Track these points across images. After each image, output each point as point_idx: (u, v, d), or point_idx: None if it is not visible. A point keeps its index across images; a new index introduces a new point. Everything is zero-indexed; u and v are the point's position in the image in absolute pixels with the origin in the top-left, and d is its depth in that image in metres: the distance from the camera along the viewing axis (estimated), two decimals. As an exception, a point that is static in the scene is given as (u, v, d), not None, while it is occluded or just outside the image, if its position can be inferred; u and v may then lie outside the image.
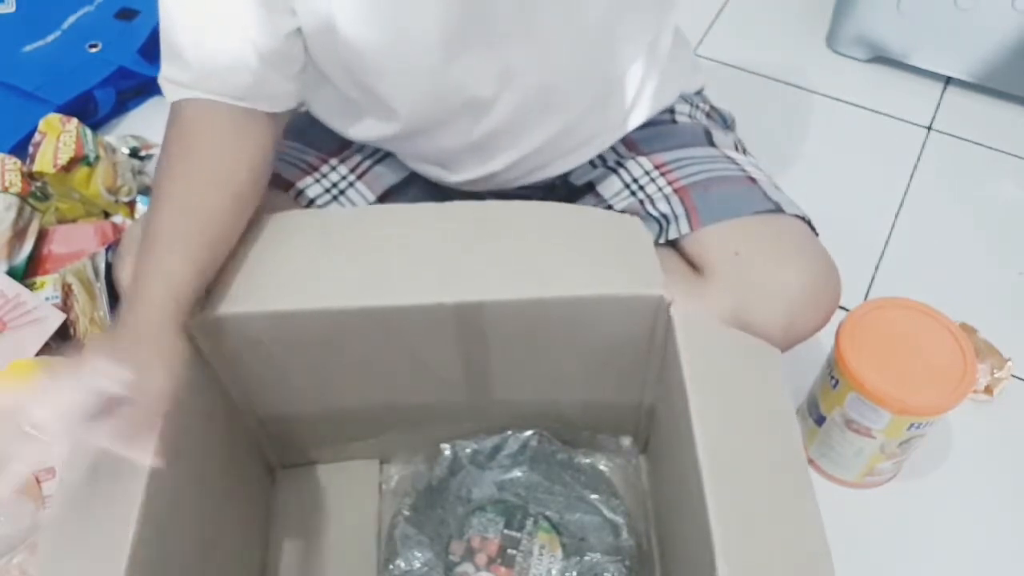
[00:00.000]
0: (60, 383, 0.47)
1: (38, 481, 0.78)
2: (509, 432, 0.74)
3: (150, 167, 1.14)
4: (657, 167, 0.76)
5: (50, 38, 1.25)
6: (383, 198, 0.77)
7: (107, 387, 0.47)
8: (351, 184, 0.76)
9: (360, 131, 0.75)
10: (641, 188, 0.76)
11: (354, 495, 0.77)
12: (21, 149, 1.05)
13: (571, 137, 0.72)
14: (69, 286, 0.86)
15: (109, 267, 0.84)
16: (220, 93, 0.61)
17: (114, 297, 0.81)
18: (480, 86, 0.64)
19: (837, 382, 0.80)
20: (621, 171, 0.78)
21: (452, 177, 0.76)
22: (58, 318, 0.83)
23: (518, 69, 0.63)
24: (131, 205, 1.05)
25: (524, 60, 0.62)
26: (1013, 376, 0.98)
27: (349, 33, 0.60)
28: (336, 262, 0.61)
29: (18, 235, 0.91)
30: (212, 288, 0.59)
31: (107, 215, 1.03)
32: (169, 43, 0.61)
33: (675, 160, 0.76)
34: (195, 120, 0.61)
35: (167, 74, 0.62)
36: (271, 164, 0.66)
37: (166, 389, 0.51)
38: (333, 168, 0.76)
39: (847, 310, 0.82)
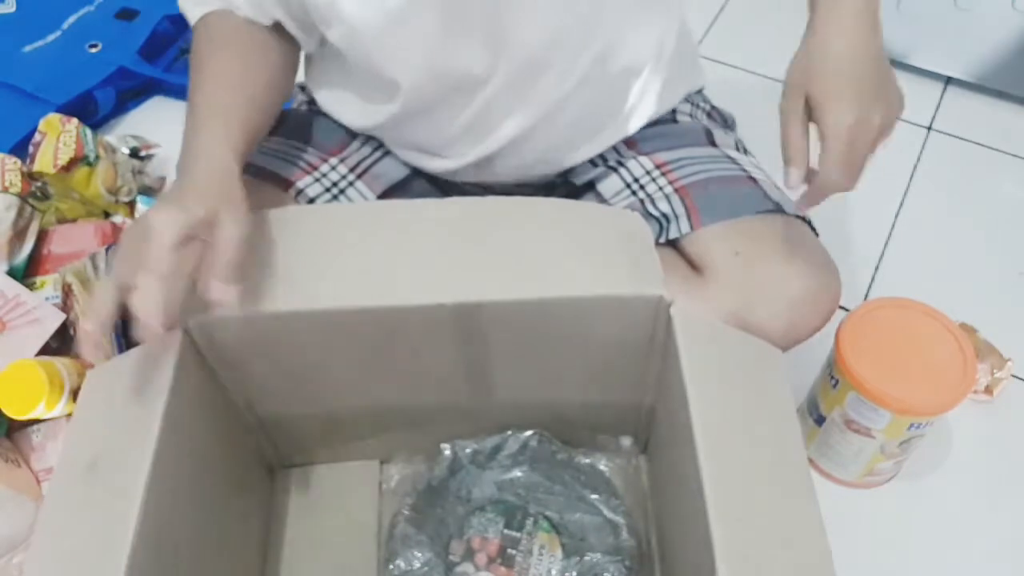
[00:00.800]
0: (140, 237, 0.50)
1: (38, 481, 0.78)
2: (509, 432, 0.74)
3: (150, 167, 1.14)
4: (658, 166, 0.76)
5: (50, 38, 1.25)
6: (383, 197, 0.77)
7: (186, 229, 0.51)
8: (351, 183, 0.76)
9: (361, 115, 0.74)
10: (642, 187, 0.76)
11: (354, 495, 0.77)
12: (21, 149, 1.05)
13: (566, 124, 0.72)
14: (69, 286, 0.86)
15: (109, 267, 0.84)
16: (240, 7, 0.65)
17: (114, 297, 0.81)
18: (474, 62, 0.64)
19: (837, 382, 0.80)
20: (622, 170, 0.78)
21: (446, 164, 0.75)
22: (58, 318, 0.83)
23: (510, 42, 0.63)
24: (131, 205, 1.05)
25: (515, 34, 0.62)
26: (1013, 376, 0.98)
27: (348, 8, 0.61)
28: (336, 261, 0.61)
29: (18, 235, 0.91)
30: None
31: (107, 215, 1.03)
32: None
33: (676, 160, 0.76)
34: (220, 23, 0.65)
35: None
36: (293, 71, 0.70)
37: (237, 235, 0.53)
38: (333, 167, 0.76)
39: (847, 310, 0.82)
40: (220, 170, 0.56)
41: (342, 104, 0.76)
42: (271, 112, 0.66)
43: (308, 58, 0.78)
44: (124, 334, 0.84)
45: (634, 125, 0.76)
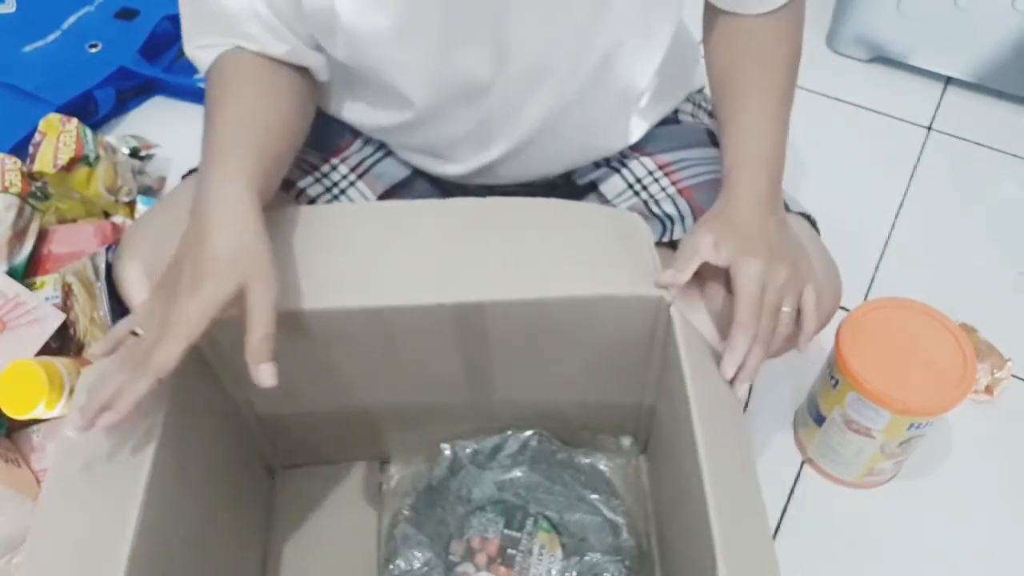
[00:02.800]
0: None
1: (38, 481, 0.78)
2: (509, 432, 0.73)
3: (150, 167, 1.14)
4: (660, 167, 0.76)
5: (50, 38, 1.25)
6: (384, 197, 0.77)
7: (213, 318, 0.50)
8: (352, 184, 0.76)
9: (369, 119, 0.75)
10: (644, 188, 0.76)
11: (354, 495, 0.77)
12: (21, 149, 1.05)
13: (569, 130, 0.72)
14: (69, 286, 0.86)
15: (109, 267, 0.84)
16: (254, 49, 0.63)
17: (114, 297, 0.81)
18: (477, 68, 0.64)
19: (837, 382, 0.80)
20: (624, 171, 0.78)
21: (450, 168, 0.76)
22: (58, 318, 0.83)
23: (512, 49, 0.63)
24: (131, 205, 1.05)
25: (517, 41, 0.62)
26: (1013, 376, 0.98)
27: (349, 19, 0.60)
28: (336, 261, 0.61)
29: (18, 235, 0.91)
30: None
31: (107, 215, 1.03)
32: (198, 12, 0.63)
33: (678, 160, 0.76)
34: (236, 63, 0.63)
35: (197, 43, 0.64)
36: (310, 102, 0.68)
37: (268, 307, 0.52)
38: (334, 167, 0.76)
39: (847, 310, 0.82)
40: (243, 233, 0.53)
41: (350, 111, 0.76)
42: (290, 140, 0.64)
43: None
44: (108, 277, 0.84)
45: (637, 129, 0.76)
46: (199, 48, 0.64)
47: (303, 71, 0.66)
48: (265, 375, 0.51)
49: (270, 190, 0.60)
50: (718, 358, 0.60)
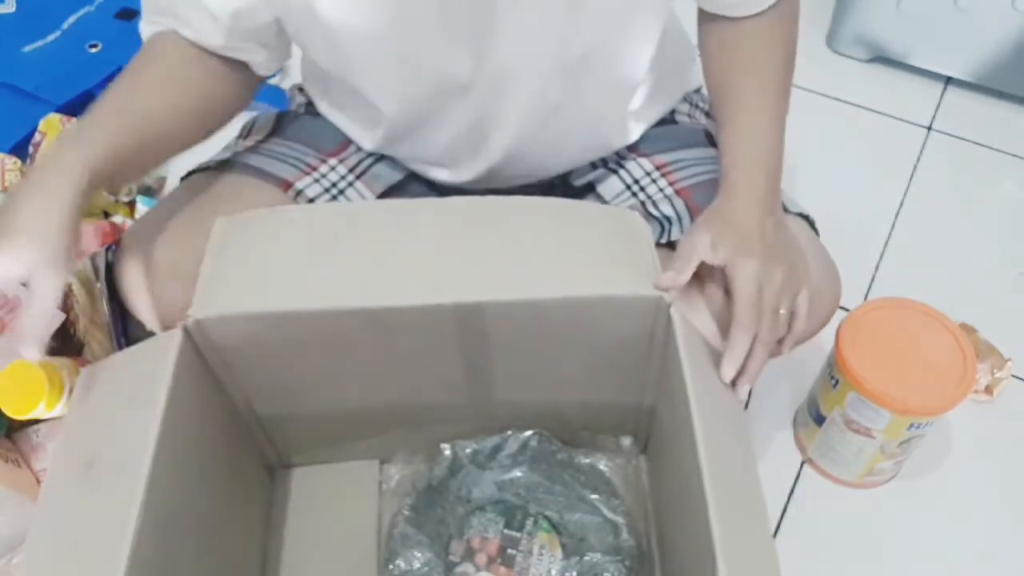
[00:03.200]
0: None
1: (38, 481, 0.78)
2: (509, 432, 0.73)
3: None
4: (658, 168, 0.76)
5: (50, 38, 1.25)
6: (382, 198, 0.77)
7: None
8: (350, 184, 0.76)
9: (368, 134, 0.75)
10: (642, 189, 0.76)
11: (354, 495, 0.77)
12: (21, 149, 1.05)
13: (563, 132, 0.72)
14: (69, 286, 0.86)
15: (109, 267, 0.84)
16: (188, 36, 0.63)
17: (114, 297, 0.81)
18: (454, 67, 0.64)
19: (837, 382, 0.80)
20: (621, 172, 0.78)
21: (458, 177, 0.76)
22: (58, 318, 0.83)
23: (490, 47, 0.62)
24: (131, 205, 1.05)
25: (494, 38, 0.62)
26: (1013, 376, 0.98)
27: (327, 15, 0.60)
28: (336, 261, 0.61)
29: (18, 235, 0.91)
30: (212, 288, 0.59)
31: (107, 215, 1.03)
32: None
33: (676, 161, 0.76)
34: (162, 44, 0.64)
35: (146, 17, 0.65)
36: (230, 104, 0.68)
37: (50, 297, 0.53)
38: (332, 168, 0.76)
39: (847, 310, 0.82)
40: (52, 206, 0.53)
41: (348, 127, 0.77)
42: (177, 133, 0.63)
43: (309, 80, 0.78)
44: (124, 333, 0.84)
45: (634, 129, 0.76)
46: (145, 23, 0.65)
47: (239, 65, 0.67)
48: (29, 354, 0.54)
49: (121, 176, 0.59)
50: (718, 358, 0.60)
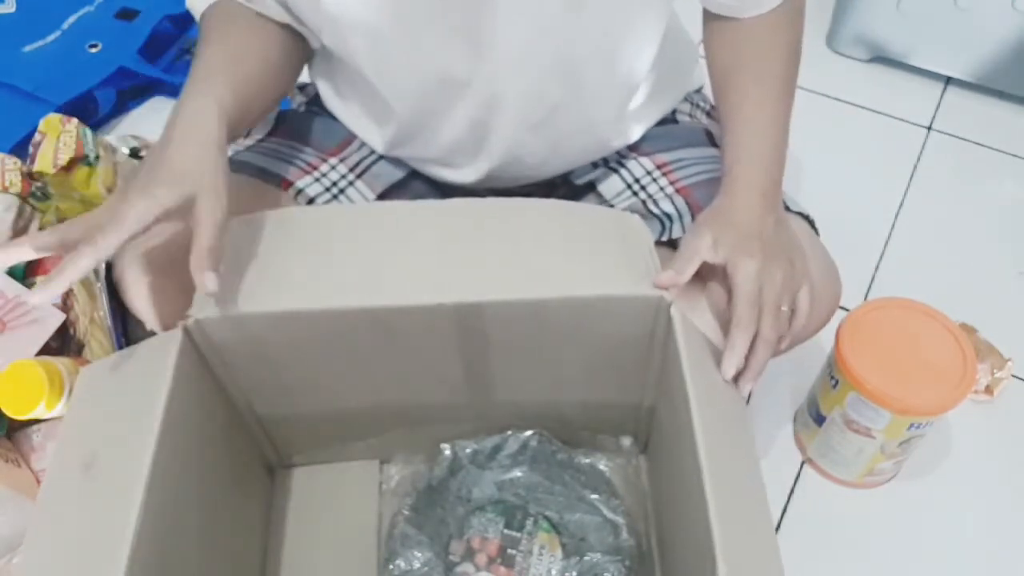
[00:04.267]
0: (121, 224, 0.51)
1: (38, 481, 0.78)
2: (509, 432, 0.73)
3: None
4: (658, 167, 0.76)
5: (50, 38, 1.25)
6: (383, 197, 0.77)
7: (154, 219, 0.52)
8: (351, 183, 0.76)
9: (377, 134, 0.75)
10: (643, 188, 0.76)
11: (354, 495, 0.77)
12: (21, 149, 1.05)
13: (566, 131, 0.72)
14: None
15: (109, 267, 0.84)
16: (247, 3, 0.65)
17: (114, 297, 0.81)
18: (452, 63, 0.64)
19: (837, 382, 0.80)
20: (622, 171, 0.78)
21: (460, 177, 0.76)
22: (58, 318, 0.83)
23: (488, 44, 0.62)
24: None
25: (493, 35, 0.62)
26: (1013, 376, 0.98)
27: (328, 7, 0.61)
28: (336, 261, 0.61)
29: (18, 235, 0.91)
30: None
31: (107, 215, 1.03)
32: None
33: (676, 160, 0.76)
34: (228, 9, 0.65)
35: None
36: (297, 62, 0.70)
37: (213, 222, 0.54)
38: (333, 167, 0.76)
39: (847, 310, 0.82)
40: (202, 145, 0.56)
41: (359, 127, 0.77)
42: (270, 84, 0.66)
43: (320, 73, 0.79)
44: (124, 333, 0.84)
45: (635, 129, 0.76)
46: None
47: (294, 33, 0.68)
48: (208, 281, 0.53)
49: (242, 121, 0.62)
50: (719, 357, 0.60)
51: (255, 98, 0.63)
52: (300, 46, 0.69)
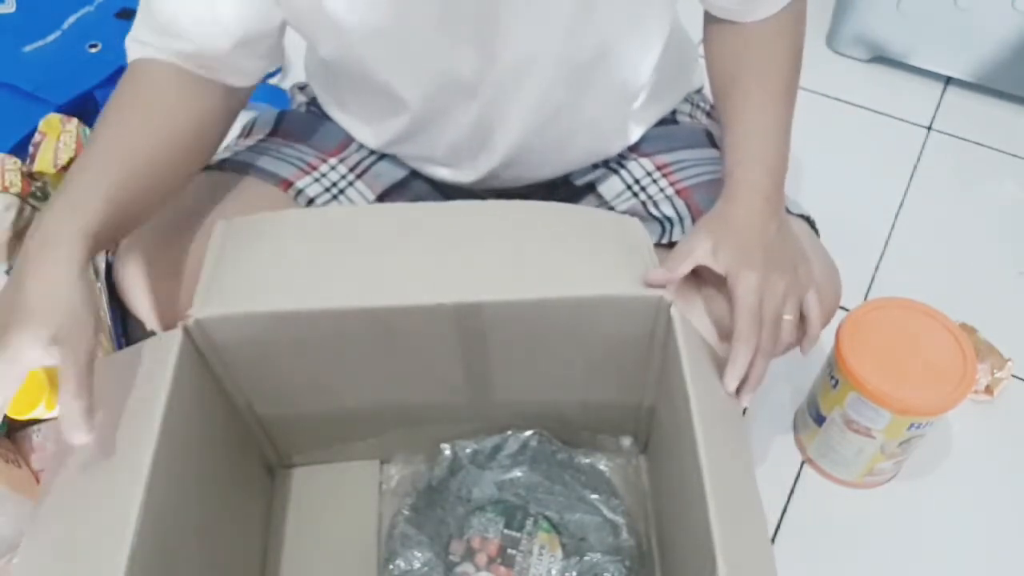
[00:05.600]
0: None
1: (38, 481, 0.78)
2: (509, 432, 0.73)
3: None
4: (659, 168, 0.76)
5: (50, 38, 1.24)
6: (383, 197, 0.77)
7: (37, 363, 0.48)
8: (351, 183, 0.76)
9: (374, 134, 0.75)
10: (643, 189, 0.76)
11: (354, 495, 0.77)
12: (21, 149, 1.04)
13: (567, 133, 0.72)
14: (69, 286, 0.86)
15: (109, 267, 0.84)
16: (185, 58, 0.61)
17: (114, 297, 0.81)
18: (459, 68, 0.64)
19: (837, 382, 0.80)
20: (622, 172, 0.78)
21: (460, 177, 0.76)
22: (58, 318, 0.83)
23: (497, 47, 0.62)
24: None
25: (502, 39, 0.62)
26: (1013, 376, 0.98)
27: (335, 14, 0.60)
28: (336, 262, 0.61)
29: (18, 235, 0.91)
30: (213, 288, 0.59)
31: (107, 215, 1.03)
32: (148, 6, 0.62)
33: (676, 161, 0.76)
34: (149, 73, 0.62)
35: (136, 35, 0.63)
36: (221, 130, 0.67)
37: (75, 379, 0.48)
38: (333, 167, 0.76)
39: (847, 310, 0.82)
40: (60, 275, 0.50)
41: (355, 127, 0.76)
42: (169, 175, 0.61)
43: (314, 77, 0.78)
44: (124, 333, 0.84)
45: (636, 130, 0.76)
46: (133, 43, 0.64)
47: (224, 88, 0.64)
48: (77, 440, 0.48)
49: (124, 231, 0.58)
50: (718, 358, 0.60)
51: (148, 193, 0.58)
52: (231, 97, 0.66)
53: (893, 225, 1.17)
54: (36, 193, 0.97)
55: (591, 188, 0.80)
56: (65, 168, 0.99)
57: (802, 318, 0.62)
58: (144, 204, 0.59)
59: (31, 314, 0.48)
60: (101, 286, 0.86)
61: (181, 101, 0.62)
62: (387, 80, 0.67)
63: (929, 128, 1.32)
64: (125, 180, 0.56)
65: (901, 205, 1.20)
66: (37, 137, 1.02)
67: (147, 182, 0.58)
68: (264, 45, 0.65)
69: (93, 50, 1.23)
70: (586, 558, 0.68)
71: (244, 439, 0.71)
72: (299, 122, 0.79)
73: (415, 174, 0.79)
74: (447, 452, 0.73)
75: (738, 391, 0.59)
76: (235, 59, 0.63)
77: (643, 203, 0.75)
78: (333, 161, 0.76)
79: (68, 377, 0.48)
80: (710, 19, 0.70)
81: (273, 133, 0.77)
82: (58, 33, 1.25)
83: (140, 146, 0.58)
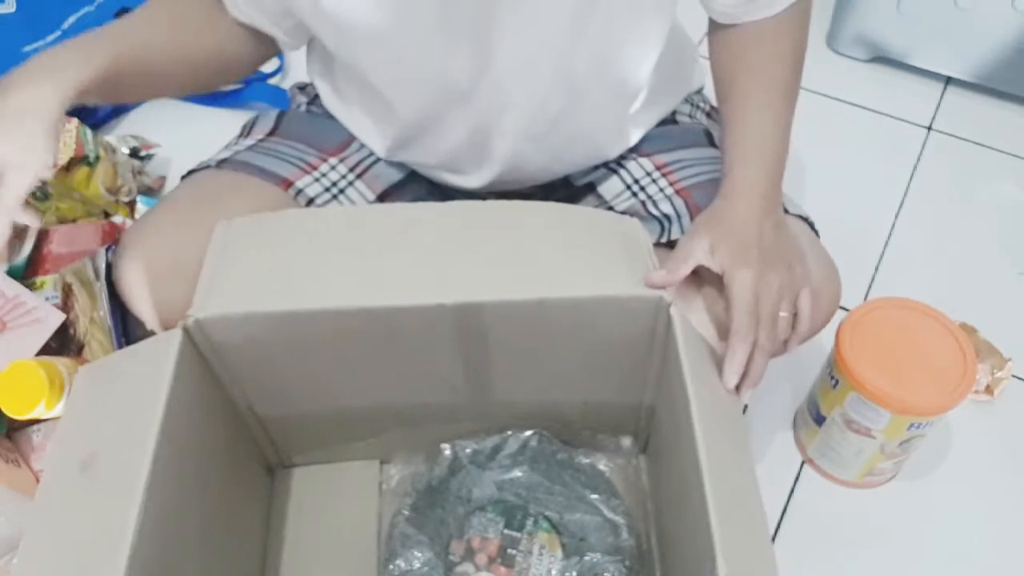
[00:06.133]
0: None
1: (38, 481, 0.78)
2: (509, 432, 0.73)
3: (150, 167, 1.14)
4: (658, 168, 0.76)
5: (50, 38, 1.24)
6: (383, 197, 0.78)
7: None
8: (351, 183, 0.76)
9: (379, 138, 0.75)
10: (643, 189, 0.76)
11: (354, 495, 0.77)
12: (21, 149, 1.04)
13: (568, 137, 0.72)
14: (69, 286, 0.86)
15: (109, 267, 0.84)
16: None
17: (114, 297, 0.81)
18: (455, 73, 0.64)
19: (837, 382, 0.80)
20: (622, 172, 0.78)
21: (467, 183, 0.76)
22: (58, 318, 0.83)
23: (494, 51, 0.62)
24: (131, 205, 1.05)
25: (499, 42, 0.62)
26: (1013, 376, 0.98)
27: (332, 10, 0.61)
28: (336, 262, 0.61)
29: (18, 235, 0.91)
30: (213, 288, 0.59)
31: (107, 215, 1.03)
32: None
33: (676, 161, 0.76)
34: None
35: None
36: (244, 64, 0.71)
37: (17, 187, 0.54)
38: (333, 167, 0.76)
39: (847, 310, 0.82)
40: (39, 105, 0.54)
41: (361, 130, 0.77)
42: (176, 79, 0.66)
43: (320, 73, 0.79)
44: (124, 333, 0.84)
45: (636, 131, 0.76)
46: None
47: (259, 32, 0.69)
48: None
49: (109, 93, 0.60)
50: (718, 358, 0.60)
51: (145, 74, 0.63)
52: (260, 43, 0.70)
53: (893, 225, 1.17)
54: (36, 193, 0.97)
55: (591, 188, 0.80)
56: (65, 168, 0.99)
57: (795, 316, 0.63)
58: (140, 79, 0.63)
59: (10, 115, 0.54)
60: (101, 286, 0.86)
61: (208, 19, 0.66)
62: (379, 83, 0.67)
63: (929, 128, 1.31)
64: (132, 49, 0.60)
65: (901, 205, 1.20)
66: (37, 137, 1.02)
67: (151, 63, 0.63)
68: (273, 19, 0.67)
69: (93, 50, 1.23)
70: (586, 558, 0.68)
71: (244, 439, 0.71)
72: (299, 122, 0.79)
73: (415, 174, 0.79)
74: (447, 452, 0.73)
75: (737, 388, 0.59)
76: (252, 18, 0.67)
77: (643, 203, 0.75)
78: (333, 161, 0.76)
79: (6, 190, 0.53)
80: (713, 21, 0.70)
81: (273, 133, 0.77)
82: (58, 33, 1.25)
83: (156, 32, 0.63)
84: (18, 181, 0.54)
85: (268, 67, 1.30)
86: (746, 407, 0.93)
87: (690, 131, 0.79)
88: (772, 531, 0.86)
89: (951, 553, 0.85)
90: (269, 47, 0.71)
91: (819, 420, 0.85)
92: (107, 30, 0.61)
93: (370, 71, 0.66)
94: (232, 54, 0.69)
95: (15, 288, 0.84)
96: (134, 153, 1.11)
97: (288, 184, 0.72)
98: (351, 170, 0.76)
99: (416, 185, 0.80)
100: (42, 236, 0.95)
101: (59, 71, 0.55)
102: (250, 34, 0.68)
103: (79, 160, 1.00)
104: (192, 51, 0.66)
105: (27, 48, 1.22)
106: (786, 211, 0.70)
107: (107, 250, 0.90)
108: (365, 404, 0.70)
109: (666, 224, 0.72)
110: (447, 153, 0.73)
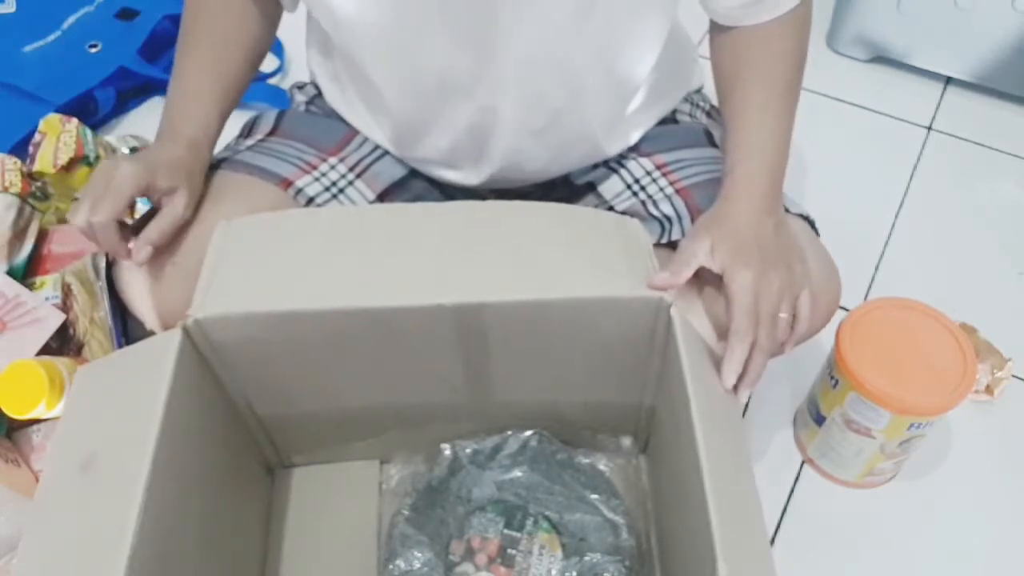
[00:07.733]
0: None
1: (38, 481, 0.78)
2: (509, 432, 0.73)
3: (150, 167, 1.14)
4: (658, 167, 0.76)
5: (50, 38, 1.25)
6: (382, 196, 0.77)
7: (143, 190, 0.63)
8: (350, 183, 0.76)
9: (374, 120, 0.75)
10: (643, 188, 0.76)
11: (354, 495, 0.77)
12: (21, 149, 1.05)
13: (568, 136, 0.72)
14: (69, 286, 0.86)
15: (109, 267, 0.84)
16: None
17: (114, 297, 0.81)
18: (454, 69, 0.64)
19: (837, 382, 0.80)
20: (622, 171, 0.78)
21: (466, 179, 0.76)
22: (58, 318, 0.83)
23: (496, 49, 0.62)
24: (131, 205, 1.05)
25: (500, 40, 0.62)
26: (1013, 376, 0.98)
27: (330, 3, 0.61)
28: (336, 262, 0.61)
29: (18, 235, 0.91)
30: (213, 288, 0.59)
31: (107, 215, 1.03)
32: None
33: (676, 161, 0.76)
34: None
35: None
36: (269, 37, 0.76)
37: (178, 213, 0.65)
38: (332, 167, 0.76)
39: (847, 310, 0.82)
40: (194, 153, 0.67)
41: (364, 125, 0.77)
42: (243, 88, 0.74)
43: (321, 65, 0.79)
44: (124, 333, 0.84)
45: (636, 130, 0.76)
46: None
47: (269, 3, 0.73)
48: (137, 250, 0.63)
49: (230, 103, 0.72)
50: (718, 359, 0.60)
51: (236, 98, 0.72)
52: (273, 12, 0.74)
53: (893, 225, 1.17)
54: (36, 193, 0.97)
55: (591, 187, 0.80)
56: (65, 168, 0.99)
57: (794, 317, 0.63)
58: (233, 106, 0.73)
59: (172, 163, 0.65)
60: (101, 286, 0.86)
61: (243, 12, 0.72)
62: (377, 77, 0.67)
63: (929, 128, 1.32)
64: (225, 96, 0.71)
65: (901, 205, 1.20)
66: (37, 137, 1.02)
67: (236, 90, 0.73)
68: None
69: (93, 50, 1.23)
70: (586, 558, 0.68)
71: (244, 439, 0.71)
72: (299, 121, 0.79)
73: (415, 173, 0.79)
74: (447, 452, 0.73)
75: (736, 387, 0.59)
76: None
77: (643, 202, 0.75)
78: (333, 160, 0.76)
79: (159, 221, 0.65)
80: (714, 23, 0.70)
81: (273, 132, 0.77)
82: (58, 33, 1.25)
83: (228, 59, 0.72)
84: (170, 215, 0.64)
85: (268, 67, 1.30)
86: (746, 407, 0.93)
87: (690, 131, 0.79)
88: (772, 531, 0.86)
89: (951, 553, 0.85)
90: (274, 18, 0.75)
91: (819, 420, 0.85)
92: (197, 86, 0.71)
93: (369, 64, 0.66)
94: (260, 38, 0.74)
95: (15, 288, 0.84)
96: (134, 153, 1.11)
97: (288, 184, 0.72)
98: (351, 169, 0.76)
99: (416, 184, 0.80)
100: (42, 236, 0.95)
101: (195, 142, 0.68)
102: (262, 8, 0.72)
103: (79, 160, 1.00)
104: (245, 45, 0.73)
105: (27, 48, 1.23)
106: (786, 210, 0.70)
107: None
108: (365, 404, 0.70)
109: (666, 225, 0.72)
110: (445, 150, 0.73)
